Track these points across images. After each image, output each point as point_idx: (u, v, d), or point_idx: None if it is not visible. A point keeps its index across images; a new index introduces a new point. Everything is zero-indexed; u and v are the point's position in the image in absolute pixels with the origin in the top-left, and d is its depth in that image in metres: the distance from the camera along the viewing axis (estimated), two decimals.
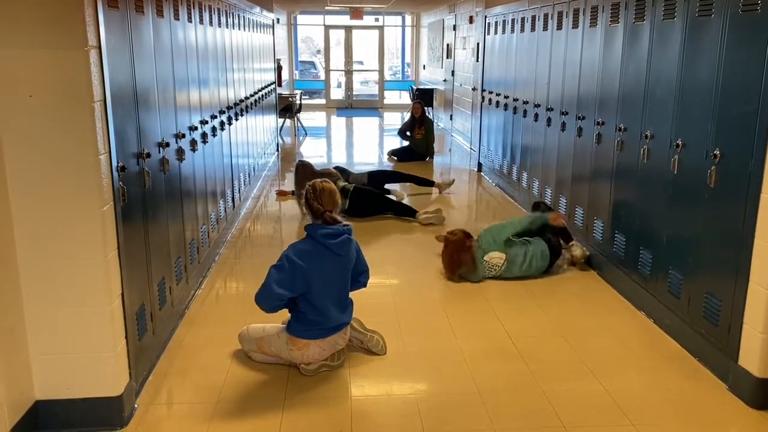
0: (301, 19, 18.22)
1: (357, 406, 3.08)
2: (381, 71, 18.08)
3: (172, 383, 3.27)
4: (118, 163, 2.81)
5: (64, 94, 2.53)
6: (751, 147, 3.00)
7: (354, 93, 18.36)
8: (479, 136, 8.95)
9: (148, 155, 3.26)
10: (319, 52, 20.36)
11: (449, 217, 6.44)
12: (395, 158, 9.64)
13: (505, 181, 7.53)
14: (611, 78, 4.57)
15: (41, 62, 2.49)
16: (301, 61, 19.89)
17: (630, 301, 4.26)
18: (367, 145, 12.19)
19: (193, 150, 4.26)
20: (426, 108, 10.85)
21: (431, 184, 7.52)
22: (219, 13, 5.43)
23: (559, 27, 5.69)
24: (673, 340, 3.73)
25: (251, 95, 7.32)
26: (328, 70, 18.06)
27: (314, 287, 3.24)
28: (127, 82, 3.02)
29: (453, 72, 12.14)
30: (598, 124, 4.77)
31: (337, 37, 18.20)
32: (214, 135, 4.96)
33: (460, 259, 4.67)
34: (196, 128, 4.36)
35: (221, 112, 5.36)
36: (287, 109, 12.01)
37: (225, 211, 5.54)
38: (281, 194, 7.38)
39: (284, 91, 13.36)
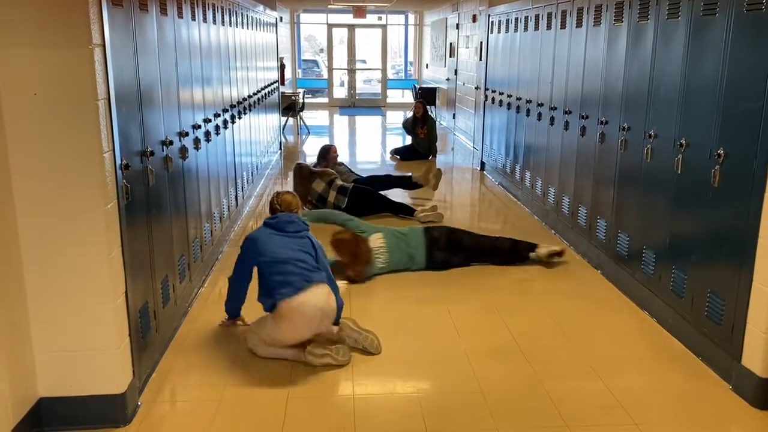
0: (304, 17, 18.23)
1: (360, 404, 3.08)
2: (384, 70, 18.07)
3: (175, 381, 3.27)
4: (121, 161, 2.81)
5: (68, 92, 2.54)
6: (755, 147, 3.00)
7: (357, 92, 18.35)
8: (482, 135, 8.95)
9: (152, 153, 3.26)
10: (322, 50, 20.35)
11: (452, 216, 6.44)
12: (398, 157, 9.64)
13: (508, 180, 7.53)
14: (615, 77, 4.57)
15: (45, 60, 2.50)
16: (303, 60, 19.89)
17: (633, 301, 4.25)
18: (370, 144, 12.20)
19: (197, 148, 4.26)
20: (429, 107, 10.83)
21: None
22: (222, 12, 5.43)
23: (563, 26, 5.68)
24: (677, 340, 3.72)
25: (254, 94, 7.32)
26: (331, 69, 18.06)
27: (267, 253, 3.44)
28: (130, 80, 3.03)
29: (456, 71, 12.13)
30: (601, 123, 4.76)
31: (340, 35, 18.19)
32: (217, 133, 4.96)
33: (359, 253, 4.62)
34: (199, 126, 4.36)
35: (224, 111, 5.37)
36: (290, 107, 12.02)
37: (228, 210, 5.54)
38: None
39: (287, 89, 13.37)
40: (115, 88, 2.73)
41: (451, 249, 4.91)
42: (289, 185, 7.76)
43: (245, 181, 6.57)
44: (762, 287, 2.99)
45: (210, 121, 4.72)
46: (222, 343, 3.65)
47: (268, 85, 8.84)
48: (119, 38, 2.84)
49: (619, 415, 3.00)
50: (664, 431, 2.90)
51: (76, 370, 2.79)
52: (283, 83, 12.15)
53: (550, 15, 6.02)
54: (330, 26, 17.83)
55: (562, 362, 3.50)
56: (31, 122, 2.54)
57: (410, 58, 19.54)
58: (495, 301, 4.33)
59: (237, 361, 3.46)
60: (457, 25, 11.99)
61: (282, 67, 11.89)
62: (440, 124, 12.73)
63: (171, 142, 3.63)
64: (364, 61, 19.33)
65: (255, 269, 3.52)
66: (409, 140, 9.97)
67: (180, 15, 3.95)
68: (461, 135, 11.65)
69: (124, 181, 2.85)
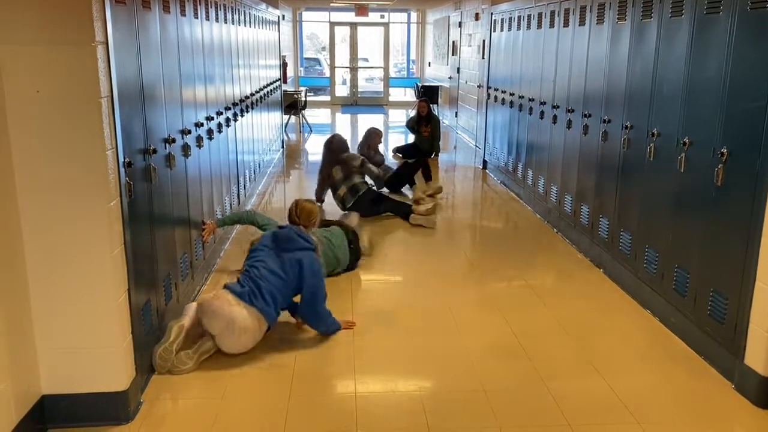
0: (306, 15, 18.21)
1: (362, 402, 3.08)
2: (386, 68, 18.05)
3: (178, 378, 3.27)
4: (124, 158, 2.82)
5: (71, 90, 2.54)
6: (758, 145, 2.99)
7: (359, 90, 18.35)
8: (484, 133, 8.94)
9: (155, 151, 3.27)
10: (324, 48, 20.33)
11: (454, 215, 6.43)
12: (400, 155, 9.63)
13: (511, 179, 7.52)
14: (618, 76, 4.56)
15: (48, 58, 2.50)
16: (305, 58, 19.87)
17: (635, 299, 4.25)
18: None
19: (199, 146, 4.26)
20: (431, 105, 10.82)
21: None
22: (225, 10, 5.43)
23: (566, 24, 5.67)
24: (679, 339, 3.72)
25: (256, 92, 7.32)
26: (333, 67, 18.05)
27: (252, 255, 3.68)
28: (133, 78, 3.03)
29: (458, 69, 12.12)
30: (604, 121, 4.76)
31: (342, 33, 18.17)
32: (219, 131, 4.96)
33: None
34: (201, 124, 4.36)
35: (227, 109, 5.37)
36: (292, 105, 12.01)
37: (230, 208, 5.54)
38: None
39: (289, 88, 13.36)
40: (117, 85, 2.73)
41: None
42: (291, 184, 7.77)
43: (247, 179, 6.57)
44: (765, 286, 2.98)
45: (212, 119, 4.72)
46: None
47: (270, 84, 8.84)
48: (122, 36, 2.84)
49: (622, 413, 3.00)
50: (667, 430, 2.90)
51: (79, 367, 2.79)
52: (285, 81, 12.15)
53: (552, 13, 6.01)
54: (332, 24, 17.81)
55: (564, 361, 3.50)
56: (34, 120, 2.54)
57: (412, 56, 19.52)
58: (496, 299, 4.33)
59: (239, 359, 3.46)
60: (460, 23, 11.97)
61: (284, 65, 11.88)
62: (443, 122, 12.71)
63: (173, 140, 3.63)
64: (366, 59, 19.31)
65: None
66: (411, 138, 9.96)
67: (182, 13, 3.95)
68: (463, 133, 11.64)
69: (127, 178, 2.85)
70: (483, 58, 9.41)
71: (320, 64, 20.67)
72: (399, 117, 15.28)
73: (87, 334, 2.76)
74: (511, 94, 7.46)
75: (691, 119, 3.62)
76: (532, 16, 6.68)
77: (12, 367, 2.57)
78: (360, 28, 17.94)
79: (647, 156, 4.06)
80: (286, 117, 11.54)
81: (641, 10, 4.21)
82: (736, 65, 3.21)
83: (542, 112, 6.27)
